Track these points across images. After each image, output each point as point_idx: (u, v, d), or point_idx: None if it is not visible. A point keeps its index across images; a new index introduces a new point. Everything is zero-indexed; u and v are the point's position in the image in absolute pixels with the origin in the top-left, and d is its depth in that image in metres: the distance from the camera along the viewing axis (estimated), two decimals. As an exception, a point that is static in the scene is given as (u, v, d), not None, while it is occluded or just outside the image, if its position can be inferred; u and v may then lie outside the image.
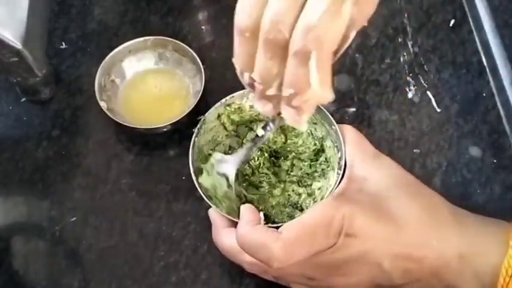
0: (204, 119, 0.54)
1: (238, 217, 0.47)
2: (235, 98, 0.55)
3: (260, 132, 0.48)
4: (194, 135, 0.53)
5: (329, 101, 0.39)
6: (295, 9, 0.36)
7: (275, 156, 0.57)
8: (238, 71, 0.41)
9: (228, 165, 0.53)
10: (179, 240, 0.55)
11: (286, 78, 0.38)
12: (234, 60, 0.41)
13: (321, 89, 0.37)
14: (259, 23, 0.37)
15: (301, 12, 0.35)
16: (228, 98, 0.55)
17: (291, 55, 0.37)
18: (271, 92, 0.39)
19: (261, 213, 0.47)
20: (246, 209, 0.47)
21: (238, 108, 0.55)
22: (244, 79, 0.41)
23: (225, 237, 0.49)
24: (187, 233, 0.55)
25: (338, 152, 0.52)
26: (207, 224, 0.52)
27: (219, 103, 0.54)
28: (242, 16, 0.38)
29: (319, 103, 0.39)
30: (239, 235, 0.45)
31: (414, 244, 0.45)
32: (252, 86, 0.41)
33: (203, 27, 0.68)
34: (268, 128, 0.47)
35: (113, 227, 0.56)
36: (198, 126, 0.53)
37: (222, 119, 0.55)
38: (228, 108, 0.55)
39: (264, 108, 0.42)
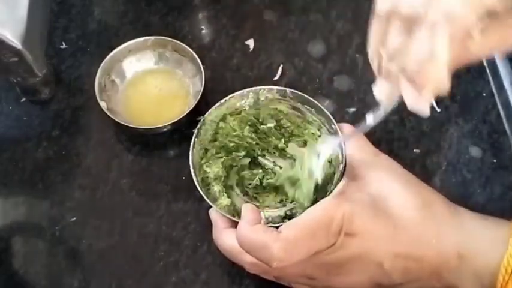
0: (204, 120, 0.54)
1: (239, 217, 0.47)
2: (235, 98, 0.55)
3: (369, 119, 0.47)
4: (194, 135, 0.53)
5: (447, 91, 0.39)
6: None
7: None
8: (370, 57, 0.43)
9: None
10: (179, 240, 0.55)
11: (411, 54, 0.39)
12: (368, 45, 0.43)
13: (444, 66, 0.38)
14: (396, 7, 0.39)
15: None
16: (227, 98, 0.55)
17: (421, 28, 0.37)
18: (395, 68, 0.40)
19: (262, 213, 0.47)
20: (246, 209, 0.47)
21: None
22: (373, 63, 0.43)
23: (226, 238, 0.49)
24: (187, 233, 0.55)
25: (338, 151, 0.52)
26: (207, 224, 0.52)
27: (218, 103, 0.54)
28: (382, 1, 0.40)
29: (441, 87, 0.39)
30: (239, 235, 0.45)
31: (414, 243, 0.45)
32: (379, 70, 0.42)
33: (203, 27, 0.68)
34: (378, 114, 0.47)
35: (113, 227, 0.56)
36: (198, 126, 0.53)
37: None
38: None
39: (381, 91, 0.43)
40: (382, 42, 0.41)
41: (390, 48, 0.40)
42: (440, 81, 0.39)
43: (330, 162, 0.53)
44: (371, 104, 0.61)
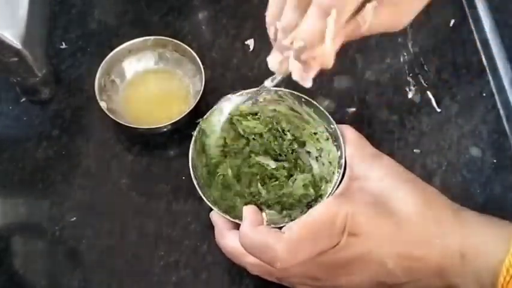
0: (203, 121, 0.54)
1: (240, 218, 0.47)
2: (234, 99, 0.55)
3: (267, 83, 0.49)
4: (193, 139, 0.53)
5: (329, 67, 0.42)
6: None
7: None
8: (267, 25, 0.46)
9: (227, 103, 0.54)
10: (179, 240, 0.55)
11: (300, 29, 0.41)
12: (267, 16, 0.46)
13: (330, 48, 0.40)
14: None
15: None
16: (225, 98, 0.55)
17: (312, 7, 0.40)
18: (286, 41, 0.43)
19: (264, 214, 0.47)
20: (248, 210, 0.47)
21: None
22: (270, 31, 0.45)
23: (228, 239, 0.49)
24: (187, 233, 0.55)
25: (338, 151, 0.52)
26: (207, 224, 0.52)
27: (217, 104, 0.54)
28: None
29: (323, 65, 0.42)
30: (242, 236, 0.45)
31: (416, 242, 0.45)
32: (274, 40, 0.45)
33: (203, 27, 0.68)
34: (273, 81, 0.49)
35: (113, 227, 0.56)
36: (198, 128, 0.53)
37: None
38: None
39: (273, 60, 0.45)
40: (278, 16, 0.44)
41: (284, 22, 0.43)
42: (326, 58, 0.42)
43: (330, 162, 0.53)
44: (371, 104, 0.62)
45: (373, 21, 0.43)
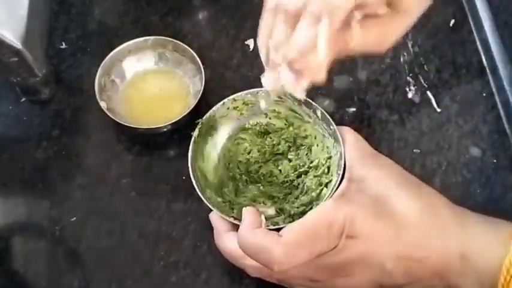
0: (202, 122, 0.54)
1: (239, 219, 0.47)
2: (234, 100, 0.55)
3: (262, 105, 0.52)
4: (193, 138, 0.53)
5: (322, 80, 0.43)
6: None
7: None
8: (259, 47, 0.47)
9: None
10: (179, 240, 0.55)
11: (293, 39, 0.42)
12: (258, 37, 0.47)
13: (323, 56, 0.41)
14: (280, 1, 0.44)
15: None
16: (225, 100, 0.55)
17: (302, 18, 0.41)
18: (279, 58, 0.44)
19: (263, 216, 0.47)
20: (247, 212, 0.47)
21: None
22: (262, 53, 0.47)
23: (227, 241, 0.49)
24: (187, 233, 0.55)
25: (336, 153, 0.52)
26: (207, 224, 0.52)
27: (217, 105, 0.54)
28: None
29: (317, 76, 0.43)
30: (240, 239, 0.45)
31: (415, 244, 0.45)
32: (266, 61, 0.46)
33: (203, 27, 0.68)
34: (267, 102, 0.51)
35: (113, 227, 0.56)
36: (197, 128, 0.53)
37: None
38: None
39: (268, 80, 0.47)
40: (270, 35, 0.45)
41: (275, 40, 0.44)
42: (318, 70, 0.42)
43: (329, 165, 0.53)
44: (371, 104, 0.62)
45: (360, 39, 0.44)
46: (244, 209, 0.47)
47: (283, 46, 0.44)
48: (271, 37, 0.45)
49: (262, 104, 0.56)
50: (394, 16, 0.45)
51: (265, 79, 0.47)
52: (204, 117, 0.54)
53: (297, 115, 0.56)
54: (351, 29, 0.43)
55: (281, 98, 0.55)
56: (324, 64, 0.43)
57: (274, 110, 0.56)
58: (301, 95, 0.45)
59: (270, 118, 0.57)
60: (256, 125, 0.57)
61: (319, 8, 0.41)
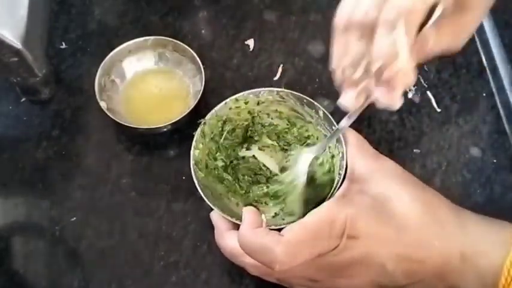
0: (205, 122, 0.54)
1: (241, 218, 0.47)
2: (236, 100, 0.55)
3: (344, 123, 0.50)
4: (195, 137, 0.53)
5: (414, 81, 0.42)
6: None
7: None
8: (332, 69, 0.46)
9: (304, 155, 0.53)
10: (179, 240, 0.55)
11: (374, 52, 0.42)
12: (332, 60, 0.46)
13: (407, 60, 0.41)
14: (351, 17, 0.43)
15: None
16: (227, 100, 0.55)
17: (378, 28, 0.41)
18: (359, 73, 0.43)
19: (263, 216, 0.47)
20: (248, 212, 0.47)
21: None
22: (336, 74, 0.46)
23: (228, 240, 0.49)
24: (187, 233, 0.55)
25: (339, 153, 0.52)
26: (207, 224, 0.52)
27: (219, 105, 0.54)
28: (341, 15, 0.44)
29: (407, 80, 0.42)
30: (241, 238, 0.45)
31: (416, 244, 0.45)
32: (343, 81, 0.45)
33: (203, 27, 0.68)
34: (350, 118, 0.49)
35: (113, 227, 0.56)
36: (200, 128, 0.53)
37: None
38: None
39: (348, 99, 0.45)
40: (344, 53, 0.44)
41: (352, 56, 0.43)
42: (406, 73, 0.42)
43: (330, 167, 0.53)
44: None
45: (436, 40, 0.44)
46: (244, 208, 0.47)
47: (361, 60, 0.43)
48: (346, 55, 0.44)
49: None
50: (464, 14, 0.45)
51: (345, 99, 0.46)
52: (206, 117, 0.54)
53: (299, 115, 0.56)
54: (427, 31, 0.43)
55: (283, 98, 0.55)
56: (410, 64, 0.42)
57: (276, 110, 0.56)
58: (398, 105, 0.44)
59: (272, 118, 0.57)
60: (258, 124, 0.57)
61: (393, 14, 0.40)
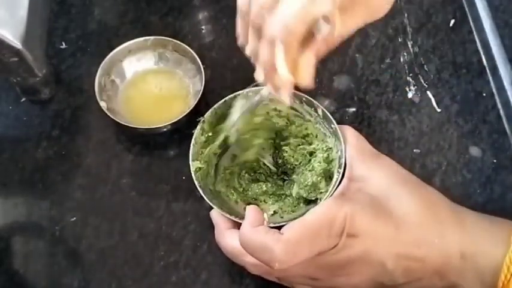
0: (204, 120, 0.54)
1: (241, 217, 0.47)
2: (236, 98, 0.55)
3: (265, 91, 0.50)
4: (194, 135, 0.53)
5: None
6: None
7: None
8: (240, 44, 0.48)
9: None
10: (179, 240, 0.55)
11: (259, 58, 0.44)
12: (239, 38, 0.48)
13: (287, 75, 0.42)
14: (250, 9, 0.44)
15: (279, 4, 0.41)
16: (227, 98, 0.55)
17: (262, 38, 0.42)
18: (259, 66, 0.45)
19: (265, 214, 0.47)
20: (249, 210, 0.47)
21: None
22: (246, 50, 0.47)
23: (228, 239, 0.49)
24: (187, 233, 0.55)
25: (338, 151, 0.52)
26: (207, 224, 0.52)
27: (218, 103, 0.54)
28: (242, 1, 0.46)
29: (285, 86, 0.43)
30: (241, 236, 0.45)
31: (416, 243, 0.45)
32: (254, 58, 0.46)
33: (203, 27, 0.68)
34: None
35: (113, 227, 0.56)
36: (199, 127, 0.53)
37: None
38: None
39: (259, 73, 0.46)
40: (246, 34, 0.46)
41: (250, 48, 0.46)
42: (287, 81, 0.43)
43: (329, 165, 0.53)
44: (371, 104, 0.62)
45: (346, 23, 0.43)
46: (247, 207, 0.47)
47: (256, 54, 0.45)
48: (248, 36, 0.46)
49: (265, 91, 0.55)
50: None
51: (257, 74, 0.47)
52: (206, 115, 0.54)
53: (298, 114, 0.56)
54: (322, 25, 0.42)
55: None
56: (289, 81, 0.43)
57: (276, 109, 0.56)
58: (288, 102, 0.45)
59: (271, 117, 0.57)
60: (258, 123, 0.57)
61: (274, 31, 0.41)
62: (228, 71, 0.64)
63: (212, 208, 0.51)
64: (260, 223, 0.45)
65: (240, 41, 0.48)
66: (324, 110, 0.53)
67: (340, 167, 0.51)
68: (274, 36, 0.41)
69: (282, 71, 0.42)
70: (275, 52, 0.42)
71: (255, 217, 0.46)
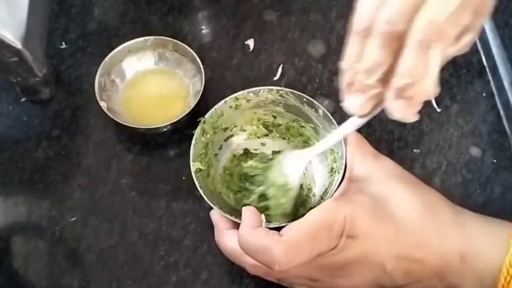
0: (204, 120, 0.54)
1: (240, 218, 0.47)
2: (236, 98, 0.55)
3: (347, 126, 0.47)
4: (195, 136, 0.53)
5: (436, 95, 0.40)
6: (412, 7, 0.38)
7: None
8: (342, 70, 0.42)
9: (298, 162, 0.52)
10: (179, 240, 0.55)
11: (402, 68, 0.39)
12: (343, 60, 0.42)
13: (435, 79, 0.39)
14: (375, 25, 0.39)
15: (422, 8, 0.38)
16: (227, 99, 0.55)
17: (411, 44, 0.38)
18: (372, 80, 0.40)
19: (263, 215, 0.47)
20: (247, 211, 0.47)
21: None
22: (346, 76, 0.42)
23: (228, 239, 0.49)
24: (187, 233, 0.55)
25: (338, 152, 0.52)
26: (207, 224, 0.52)
27: (219, 104, 0.54)
28: (361, 17, 0.40)
29: (428, 96, 0.40)
30: (240, 238, 0.45)
31: (415, 244, 0.45)
32: (350, 84, 0.42)
33: (203, 27, 0.68)
34: (355, 123, 0.46)
35: (113, 227, 0.56)
36: (199, 127, 0.53)
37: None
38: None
39: (355, 104, 0.42)
40: (358, 58, 0.41)
41: (369, 62, 0.40)
42: (430, 94, 0.39)
43: (330, 165, 0.53)
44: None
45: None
46: (244, 208, 0.47)
47: (378, 69, 0.40)
48: (359, 60, 0.41)
49: None
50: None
51: (352, 104, 0.43)
52: (206, 116, 0.54)
53: (299, 114, 0.56)
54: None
55: (283, 97, 0.55)
56: (436, 83, 0.40)
57: (276, 109, 0.56)
58: (414, 119, 0.41)
59: (273, 117, 0.57)
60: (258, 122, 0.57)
61: (430, 34, 0.38)
62: (228, 71, 0.64)
63: (212, 208, 0.51)
64: (258, 224, 0.45)
65: (347, 63, 0.42)
66: (325, 110, 0.53)
67: (340, 167, 0.51)
68: (430, 40, 0.38)
69: (435, 75, 0.39)
70: (428, 59, 0.38)
71: (253, 218, 0.46)
